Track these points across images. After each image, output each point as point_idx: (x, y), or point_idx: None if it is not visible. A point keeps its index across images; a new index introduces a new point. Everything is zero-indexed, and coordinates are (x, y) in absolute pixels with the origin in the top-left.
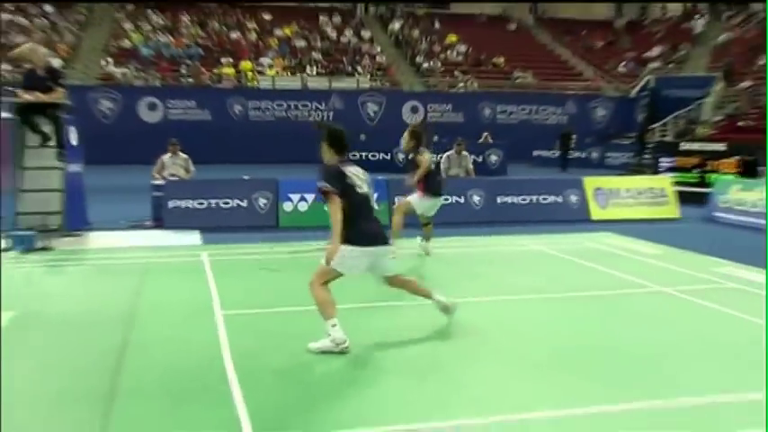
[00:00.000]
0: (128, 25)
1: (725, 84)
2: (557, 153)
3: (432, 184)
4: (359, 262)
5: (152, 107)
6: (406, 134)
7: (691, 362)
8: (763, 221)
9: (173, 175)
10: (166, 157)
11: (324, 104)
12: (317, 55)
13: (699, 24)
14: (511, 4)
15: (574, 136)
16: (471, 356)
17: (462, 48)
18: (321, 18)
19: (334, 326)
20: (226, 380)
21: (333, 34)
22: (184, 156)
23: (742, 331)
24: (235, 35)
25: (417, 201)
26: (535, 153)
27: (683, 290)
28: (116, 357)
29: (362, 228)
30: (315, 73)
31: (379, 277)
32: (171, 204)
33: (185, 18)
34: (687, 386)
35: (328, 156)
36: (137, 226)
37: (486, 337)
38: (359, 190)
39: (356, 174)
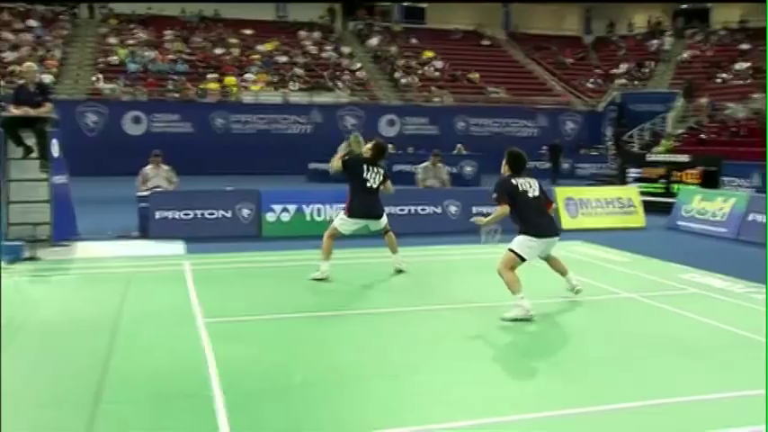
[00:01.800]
0: (113, 40)
1: (686, 99)
2: (546, 165)
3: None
4: (536, 248)
5: (136, 120)
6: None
7: (659, 365)
8: (722, 229)
9: (157, 186)
10: (149, 169)
11: (304, 118)
12: (298, 70)
13: (663, 42)
14: (483, 19)
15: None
16: (446, 362)
17: (439, 63)
18: (301, 34)
19: (522, 298)
20: (208, 386)
21: (313, 50)
22: (167, 167)
23: (706, 334)
24: (218, 51)
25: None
26: None
27: (650, 296)
28: (101, 364)
29: (536, 222)
30: (297, 88)
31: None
32: (158, 215)
33: (169, 33)
34: (657, 387)
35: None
36: (123, 236)
37: (461, 343)
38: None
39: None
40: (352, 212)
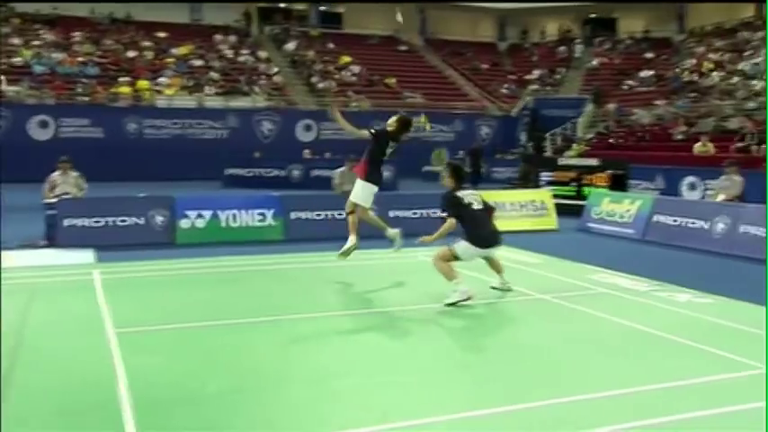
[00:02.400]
0: (17, 41)
1: (595, 105)
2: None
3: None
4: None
5: (43, 125)
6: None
7: (573, 363)
8: (629, 230)
9: (65, 193)
10: (56, 176)
11: (220, 123)
12: (214, 74)
13: (573, 50)
14: (401, 25)
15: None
16: (369, 366)
17: (356, 68)
18: (217, 37)
19: (458, 283)
20: (116, 398)
21: (229, 54)
22: (75, 173)
23: (614, 332)
24: (131, 54)
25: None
26: (425, 169)
27: (561, 296)
28: (3, 379)
29: (479, 234)
30: (213, 92)
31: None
32: (66, 223)
33: (78, 35)
34: (567, 385)
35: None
36: (28, 245)
37: (384, 346)
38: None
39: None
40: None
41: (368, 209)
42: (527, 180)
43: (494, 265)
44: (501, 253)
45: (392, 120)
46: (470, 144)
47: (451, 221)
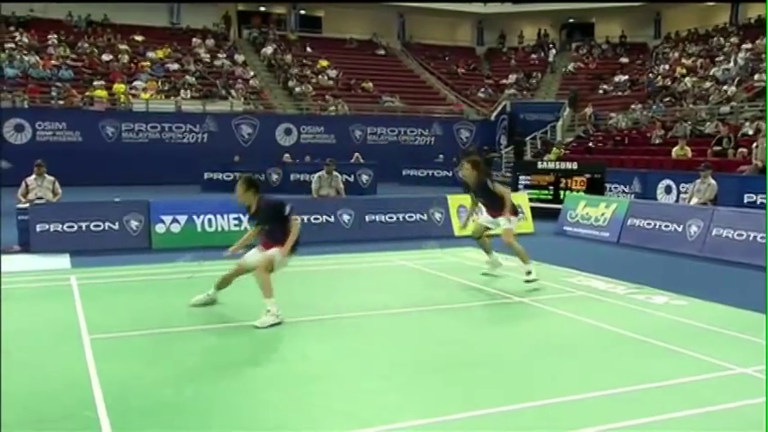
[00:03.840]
0: None
1: (571, 109)
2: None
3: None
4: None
5: (19, 129)
6: (467, 165)
7: (550, 365)
8: (605, 234)
9: (39, 197)
10: (31, 179)
11: (198, 127)
12: (190, 78)
13: (550, 54)
14: (379, 29)
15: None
16: (339, 371)
17: (333, 72)
18: (194, 41)
19: (273, 303)
20: (92, 406)
21: (206, 57)
22: (51, 178)
23: (591, 335)
24: (106, 57)
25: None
26: (405, 172)
27: (539, 299)
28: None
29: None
30: (189, 96)
31: None
32: (39, 228)
33: (53, 38)
34: (541, 388)
35: None
36: (2, 251)
37: (353, 351)
38: None
39: None
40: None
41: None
42: None
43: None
44: (476, 255)
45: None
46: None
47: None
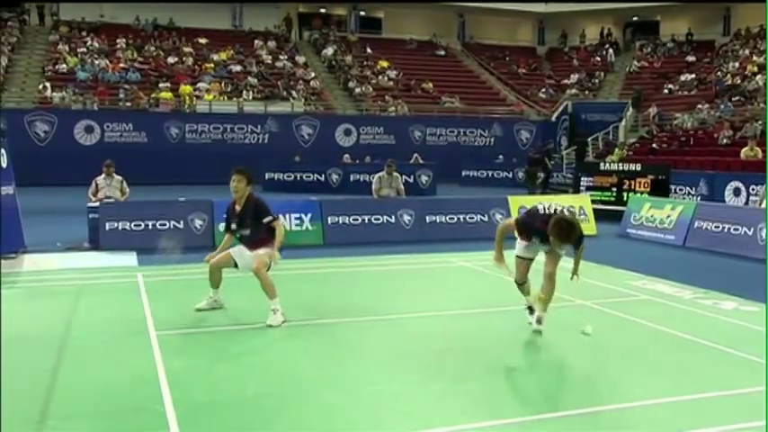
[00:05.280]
0: (63, 48)
1: (635, 109)
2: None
3: None
4: None
5: (89, 130)
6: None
7: (614, 371)
8: (670, 237)
9: (108, 197)
10: (101, 179)
11: (260, 127)
12: (252, 79)
13: (613, 54)
14: (439, 30)
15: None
16: (399, 372)
17: (393, 73)
18: (256, 43)
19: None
20: (160, 400)
21: (268, 59)
22: (119, 177)
23: (658, 340)
24: (172, 60)
25: None
26: (464, 173)
27: (602, 303)
28: (48, 380)
29: None
30: (251, 97)
31: None
32: (108, 226)
33: (121, 42)
34: (611, 393)
35: None
36: (73, 248)
37: (412, 353)
38: None
39: None
40: None
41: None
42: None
43: None
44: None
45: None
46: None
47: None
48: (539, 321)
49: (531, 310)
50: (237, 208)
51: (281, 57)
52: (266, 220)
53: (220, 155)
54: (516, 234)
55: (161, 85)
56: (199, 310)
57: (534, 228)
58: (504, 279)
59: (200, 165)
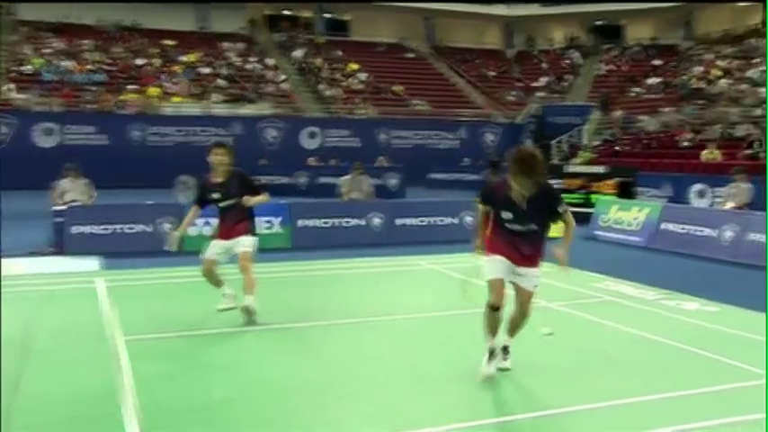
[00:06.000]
0: (27, 50)
1: (602, 112)
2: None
3: None
4: None
5: (48, 132)
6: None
7: (578, 372)
8: (637, 238)
9: (74, 200)
10: (65, 182)
11: (224, 130)
12: (221, 81)
13: (580, 57)
14: (407, 33)
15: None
16: (363, 375)
17: (363, 75)
18: (225, 45)
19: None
20: (125, 405)
21: (237, 61)
22: (84, 180)
23: (621, 341)
24: (139, 61)
25: None
26: (431, 176)
27: (566, 304)
28: (10, 389)
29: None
30: (219, 100)
31: None
32: (74, 230)
33: (86, 43)
34: (576, 393)
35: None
36: (35, 252)
37: (379, 356)
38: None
39: None
40: None
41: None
42: None
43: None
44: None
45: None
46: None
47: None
48: (505, 351)
49: (491, 353)
50: (218, 179)
51: (251, 59)
52: (257, 187)
53: (184, 157)
54: (482, 248)
55: (128, 86)
56: (222, 311)
57: (498, 192)
58: (471, 281)
59: (163, 167)
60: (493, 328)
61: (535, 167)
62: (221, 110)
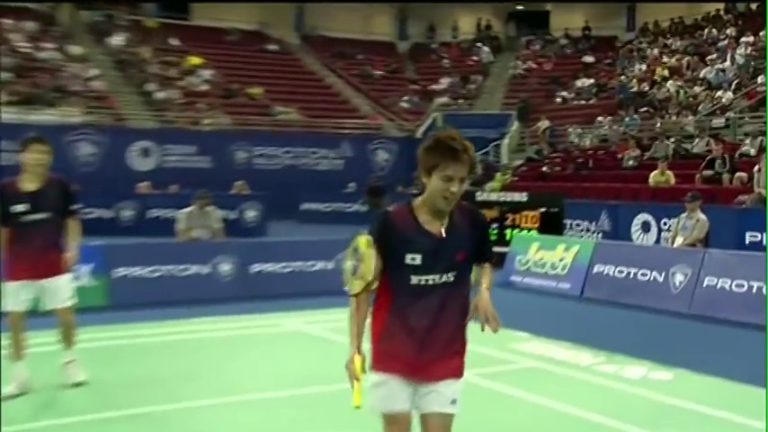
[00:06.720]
0: None
1: (521, 123)
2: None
3: None
4: None
5: None
6: None
7: None
8: (565, 285)
9: None
10: None
11: (12, 143)
12: (5, 75)
13: (492, 52)
14: (270, 18)
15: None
16: None
17: (208, 73)
18: (7, 23)
19: None
20: None
21: (26, 48)
22: None
23: (548, 421)
24: None
25: None
26: (303, 206)
27: (477, 373)
28: None
29: None
30: (4, 101)
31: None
32: None
33: None
34: None
35: None
36: None
37: None
38: None
39: None
40: None
41: None
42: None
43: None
44: None
45: None
46: (367, 178)
47: None
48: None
49: None
50: (29, 187)
51: (47, 45)
52: (75, 207)
53: None
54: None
55: None
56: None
57: (400, 224)
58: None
59: None
60: None
61: (466, 145)
62: (7, 115)
